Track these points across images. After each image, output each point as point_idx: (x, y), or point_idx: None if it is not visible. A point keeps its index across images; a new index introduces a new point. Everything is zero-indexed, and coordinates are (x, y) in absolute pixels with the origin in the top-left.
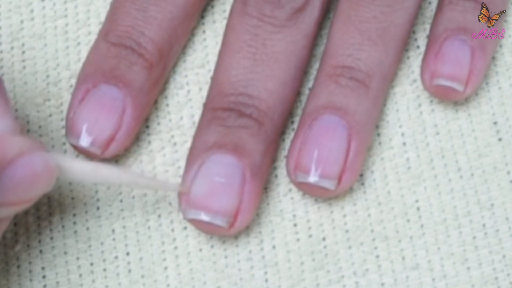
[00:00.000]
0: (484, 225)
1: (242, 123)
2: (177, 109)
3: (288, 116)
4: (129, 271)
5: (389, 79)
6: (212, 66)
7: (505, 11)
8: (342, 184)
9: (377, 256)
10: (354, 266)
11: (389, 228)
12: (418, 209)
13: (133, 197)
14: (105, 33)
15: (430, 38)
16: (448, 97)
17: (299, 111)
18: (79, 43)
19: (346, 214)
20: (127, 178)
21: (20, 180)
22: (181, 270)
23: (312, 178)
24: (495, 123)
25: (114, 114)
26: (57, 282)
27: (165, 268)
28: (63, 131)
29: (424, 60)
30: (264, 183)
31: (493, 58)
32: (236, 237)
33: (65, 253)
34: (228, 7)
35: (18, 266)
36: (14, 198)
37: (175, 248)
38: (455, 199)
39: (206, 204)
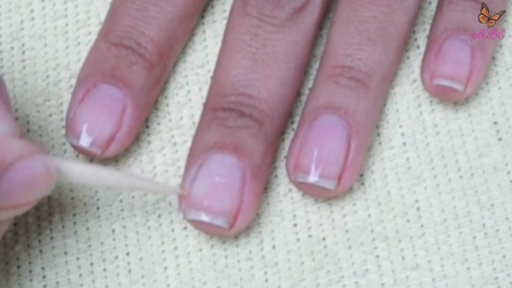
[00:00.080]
0: (484, 225)
1: (242, 123)
2: (177, 109)
3: (288, 116)
4: (129, 271)
5: (389, 79)
6: (212, 66)
7: (505, 11)
8: (342, 184)
9: (377, 256)
10: (354, 266)
11: (389, 228)
12: (418, 209)
13: (133, 197)
14: (105, 33)
15: (430, 38)
16: (448, 97)
17: (299, 111)
18: (79, 43)
19: (346, 214)
20: (127, 182)
21: (19, 183)
22: (181, 270)
23: (312, 178)
24: (495, 123)
25: (114, 114)
26: (57, 282)
27: (165, 268)
28: (63, 131)
29: (424, 60)
30: (264, 183)
31: (493, 58)
32: (236, 237)
33: (65, 253)
34: (228, 7)
35: (18, 266)
36: (13, 201)
37: (175, 248)
38: (455, 199)
39: (206, 205)
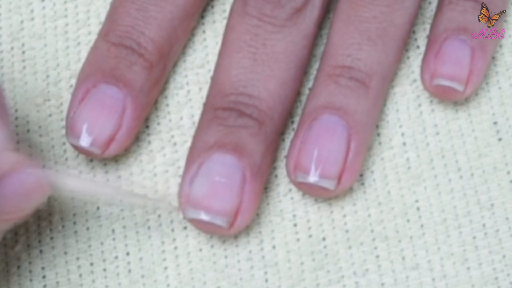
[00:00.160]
0: (484, 225)
1: (242, 123)
2: (177, 109)
3: (288, 116)
4: (129, 271)
5: (389, 79)
6: (212, 66)
7: (505, 11)
8: (342, 184)
9: (377, 256)
10: (354, 266)
11: (389, 228)
12: (418, 209)
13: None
14: (105, 33)
15: (430, 38)
16: (448, 97)
17: (299, 111)
18: (79, 43)
19: (346, 214)
20: (121, 196)
21: (11, 196)
22: (181, 270)
23: (312, 178)
24: (495, 123)
25: (114, 114)
26: (57, 282)
27: (165, 268)
28: (63, 131)
29: (424, 60)
30: (264, 183)
31: (493, 58)
32: (236, 237)
33: (65, 253)
34: (228, 7)
35: (18, 266)
36: (4, 214)
37: (175, 248)
38: (455, 199)
39: (206, 204)
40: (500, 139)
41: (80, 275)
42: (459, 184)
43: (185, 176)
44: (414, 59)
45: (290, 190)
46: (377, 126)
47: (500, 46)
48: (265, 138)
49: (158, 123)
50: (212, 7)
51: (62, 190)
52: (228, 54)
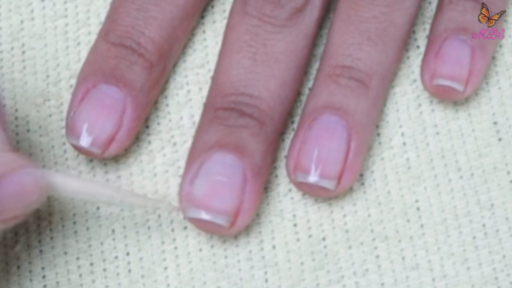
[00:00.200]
0: (484, 225)
1: (243, 123)
2: (177, 109)
3: (288, 116)
4: (129, 271)
5: (389, 79)
6: (212, 66)
7: (505, 11)
8: (342, 184)
9: (377, 256)
10: (354, 266)
11: (389, 228)
12: (418, 209)
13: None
14: (105, 33)
15: (430, 38)
16: (448, 97)
17: (299, 111)
18: (79, 43)
19: (346, 214)
20: (121, 196)
21: (8, 197)
22: (181, 270)
23: (312, 178)
24: (495, 123)
25: (114, 114)
26: (57, 282)
27: (165, 268)
28: (63, 131)
29: (424, 60)
30: (264, 183)
31: (493, 58)
32: (236, 237)
33: (65, 253)
34: (228, 7)
35: (18, 266)
36: (2, 215)
37: (175, 248)
38: (455, 199)
39: (206, 203)
40: (500, 139)
41: (80, 275)
42: (459, 184)
43: (185, 176)
44: (414, 59)
45: (290, 190)
46: (377, 126)
47: (500, 46)
48: (266, 138)
49: (158, 123)
50: (212, 7)
51: (61, 191)
52: (228, 54)
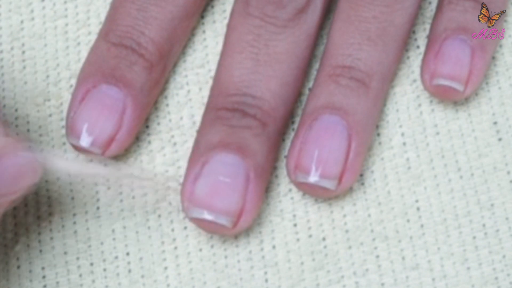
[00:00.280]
0: (484, 225)
1: (245, 123)
2: (177, 109)
3: (289, 116)
4: (129, 271)
5: (389, 79)
6: (212, 66)
7: (505, 11)
8: (342, 184)
9: (377, 256)
10: (354, 266)
11: (389, 228)
12: (418, 209)
13: (133, 197)
14: (105, 33)
15: (430, 38)
16: (448, 97)
17: (299, 111)
18: (79, 43)
19: (346, 214)
20: (113, 174)
21: (4, 179)
22: (181, 270)
23: (312, 178)
24: (495, 123)
25: (115, 114)
26: (57, 282)
27: (165, 268)
28: (63, 131)
29: (424, 60)
30: (266, 184)
31: (493, 58)
32: (236, 237)
33: (65, 253)
34: (228, 7)
35: (18, 266)
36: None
37: (175, 248)
38: (455, 199)
39: (209, 203)
40: (500, 139)
41: (80, 275)
42: (459, 184)
43: (188, 176)
44: (414, 59)
45: (290, 190)
46: (377, 126)
47: (500, 46)
48: (268, 139)
49: (158, 123)
50: (212, 7)
51: (56, 172)
52: (230, 55)
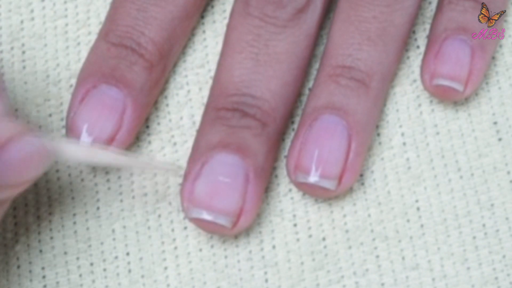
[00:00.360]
0: (484, 225)
1: (245, 124)
2: (177, 109)
3: (289, 116)
4: (129, 271)
5: (389, 79)
6: (212, 66)
7: (505, 11)
8: (342, 184)
9: (377, 256)
10: (354, 266)
11: (389, 228)
12: (418, 209)
13: (133, 197)
14: (105, 33)
15: (430, 38)
16: (448, 97)
17: (299, 111)
18: (79, 43)
19: (346, 214)
20: (123, 161)
21: (14, 164)
22: (181, 270)
23: (312, 178)
24: (495, 123)
25: (115, 114)
26: (57, 282)
27: (165, 268)
28: (63, 131)
29: (424, 60)
30: (266, 184)
31: (493, 58)
32: (236, 237)
33: (65, 253)
34: (228, 7)
35: (18, 266)
36: (7, 181)
37: (175, 248)
38: (455, 199)
39: (209, 203)
40: (500, 139)
41: (80, 275)
42: (459, 184)
43: (187, 175)
44: (414, 59)
45: (290, 190)
46: (377, 126)
47: (500, 46)
48: (268, 139)
49: (158, 123)
50: (212, 7)
51: (65, 156)
52: (230, 55)
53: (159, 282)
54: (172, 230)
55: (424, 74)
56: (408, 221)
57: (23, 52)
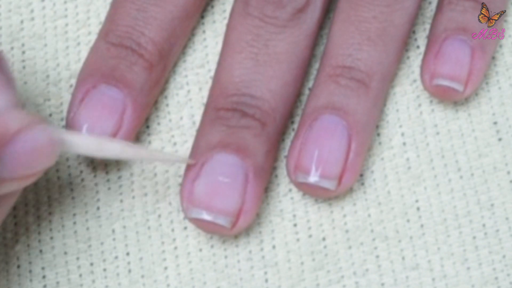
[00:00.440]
0: (484, 225)
1: (245, 124)
2: (177, 109)
3: (289, 116)
4: (129, 271)
5: (389, 79)
6: (212, 66)
7: (505, 11)
8: (342, 184)
9: (377, 256)
10: (354, 266)
11: (389, 228)
12: (418, 209)
13: (133, 197)
14: (105, 33)
15: (430, 38)
16: (448, 97)
17: (299, 111)
18: (79, 43)
19: (346, 214)
20: (131, 152)
21: (23, 155)
22: (181, 270)
23: (312, 178)
24: (495, 123)
25: (114, 115)
26: (57, 282)
27: (165, 268)
28: None
29: (424, 60)
30: (266, 184)
31: (493, 58)
32: (236, 237)
33: (65, 253)
34: (228, 7)
35: (18, 266)
36: (18, 173)
37: (175, 248)
38: (455, 199)
39: (208, 204)
40: (500, 139)
41: (80, 275)
42: (459, 184)
43: (187, 175)
44: (414, 59)
45: (290, 190)
46: (377, 126)
47: (500, 46)
48: (268, 139)
49: (158, 123)
50: (212, 7)
51: (73, 148)
52: (229, 55)
53: (159, 282)
54: (172, 230)
55: (424, 74)
56: (408, 221)
57: (23, 52)
